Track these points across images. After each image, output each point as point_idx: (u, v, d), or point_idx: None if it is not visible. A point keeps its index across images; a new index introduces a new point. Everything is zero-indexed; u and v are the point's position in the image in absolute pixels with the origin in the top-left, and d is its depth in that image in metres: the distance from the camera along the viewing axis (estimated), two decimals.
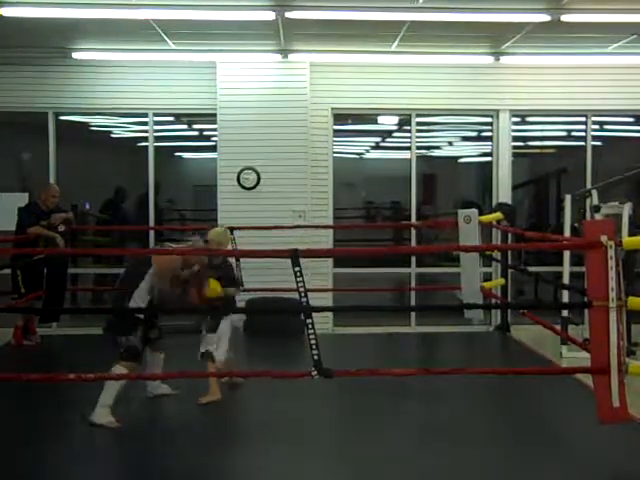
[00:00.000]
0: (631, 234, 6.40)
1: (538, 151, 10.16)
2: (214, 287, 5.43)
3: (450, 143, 10.28)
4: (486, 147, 9.42)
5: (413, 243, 9.25)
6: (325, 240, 8.80)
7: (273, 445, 4.67)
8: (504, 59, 8.47)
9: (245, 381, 5.78)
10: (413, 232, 9.18)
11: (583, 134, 9.25)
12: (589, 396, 4.48)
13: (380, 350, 7.63)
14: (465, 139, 10.19)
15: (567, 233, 7.12)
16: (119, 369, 4.95)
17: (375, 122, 9.86)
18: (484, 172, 9.47)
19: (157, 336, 5.45)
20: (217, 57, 8.55)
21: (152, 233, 9.02)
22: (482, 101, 8.95)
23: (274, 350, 6.49)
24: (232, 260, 5.98)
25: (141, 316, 5.11)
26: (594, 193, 7.23)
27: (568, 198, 7.33)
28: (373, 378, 5.33)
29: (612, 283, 4.15)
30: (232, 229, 8.08)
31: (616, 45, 8.11)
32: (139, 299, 5.07)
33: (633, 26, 7.31)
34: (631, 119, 9.54)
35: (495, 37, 7.91)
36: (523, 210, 10.16)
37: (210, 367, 5.42)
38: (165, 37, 7.79)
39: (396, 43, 8.05)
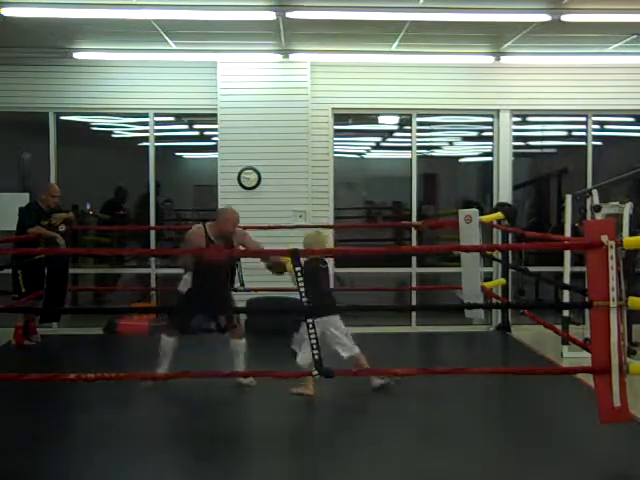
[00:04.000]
0: (632, 234, 6.39)
1: (539, 151, 10.16)
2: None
3: (451, 143, 10.29)
4: (487, 147, 9.42)
5: (414, 243, 9.25)
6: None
7: (273, 445, 4.67)
8: (504, 59, 8.47)
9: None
10: (414, 232, 9.19)
11: (584, 134, 9.26)
12: (590, 396, 4.48)
13: (380, 350, 7.62)
14: (466, 139, 10.20)
15: (568, 233, 7.12)
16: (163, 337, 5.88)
17: (376, 122, 9.87)
18: (485, 172, 9.47)
19: (228, 324, 5.84)
20: (218, 57, 8.55)
21: (153, 233, 9.03)
22: (482, 101, 8.95)
23: (274, 350, 6.46)
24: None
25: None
26: (595, 193, 7.23)
27: (569, 198, 7.33)
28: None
29: (613, 283, 4.15)
30: None
31: (616, 45, 8.10)
32: (182, 287, 5.85)
33: (633, 26, 7.31)
34: (631, 119, 9.55)
35: (495, 37, 7.91)
36: (524, 210, 10.16)
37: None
38: (166, 37, 7.79)
39: (396, 43, 8.05)
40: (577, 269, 7.14)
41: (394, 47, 8.24)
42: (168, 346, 5.82)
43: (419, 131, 9.20)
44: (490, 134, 9.27)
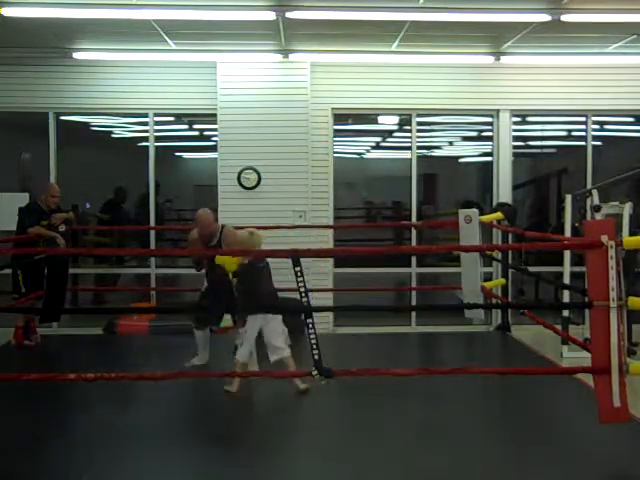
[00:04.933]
0: (632, 234, 6.40)
1: (539, 151, 10.16)
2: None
3: (450, 143, 10.28)
4: (487, 147, 9.42)
5: (413, 243, 9.25)
6: (325, 240, 8.80)
7: (273, 444, 4.67)
8: (504, 59, 8.48)
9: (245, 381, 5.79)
10: (413, 232, 9.19)
11: (583, 134, 9.26)
12: (590, 396, 4.48)
13: (380, 350, 7.62)
14: (465, 139, 10.19)
15: (568, 233, 7.12)
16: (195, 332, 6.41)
17: (375, 122, 9.87)
18: (485, 172, 9.47)
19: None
20: (218, 57, 8.55)
21: (153, 233, 9.03)
22: (482, 101, 8.95)
23: None
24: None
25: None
26: (594, 193, 7.23)
27: (569, 198, 7.33)
28: (373, 378, 5.36)
29: (613, 283, 4.15)
30: None
31: (616, 45, 8.11)
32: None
33: (633, 26, 7.31)
34: (631, 119, 9.55)
35: (495, 37, 7.91)
36: (524, 210, 10.16)
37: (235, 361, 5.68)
38: (166, 37, 7.79)
39: (396, 43, 8.06)
40: (577, 269, 7.14)
41: (394, 47, 8.24)
42: (201, 338, 6.39)
43: (419, 131, 9.20)
44: (490, 134, 9.27)
